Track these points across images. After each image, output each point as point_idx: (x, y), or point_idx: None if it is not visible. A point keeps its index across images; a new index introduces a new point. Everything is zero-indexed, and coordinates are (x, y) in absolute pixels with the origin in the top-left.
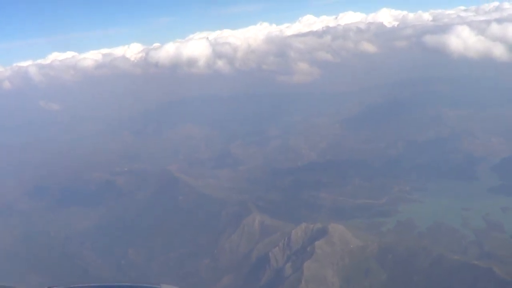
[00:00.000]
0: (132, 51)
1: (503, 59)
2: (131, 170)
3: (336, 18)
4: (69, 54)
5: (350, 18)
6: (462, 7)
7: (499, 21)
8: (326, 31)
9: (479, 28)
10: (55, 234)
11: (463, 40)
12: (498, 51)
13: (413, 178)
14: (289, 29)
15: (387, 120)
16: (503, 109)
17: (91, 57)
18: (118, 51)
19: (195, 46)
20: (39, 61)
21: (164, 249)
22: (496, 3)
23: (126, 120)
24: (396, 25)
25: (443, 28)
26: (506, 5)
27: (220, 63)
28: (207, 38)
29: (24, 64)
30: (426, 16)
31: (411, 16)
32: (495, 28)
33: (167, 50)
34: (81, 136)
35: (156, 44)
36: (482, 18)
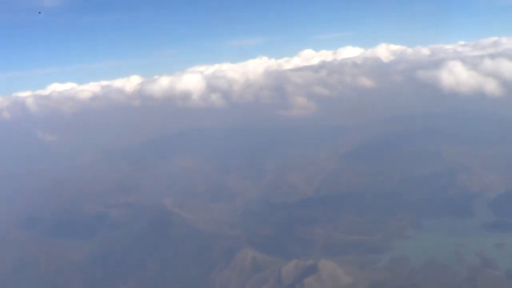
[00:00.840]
0: (131, 83)
1: (497, 94)
2: (126, 202)
3: (335, 52)
4: (68, 86)
5: (348, 52)
6: (462, 42)
7: (493, 56)
8: (322, 65)
9: (472, 63)
10: (46, 265)
11: (455, 76)
12: (491, 86)
13: (408, 214)
14: (288, 63)
15: (384, 155)
16: (500, 145)
17: (89, 89)
18: (118, 83)
19: (189, 80)
20: (38, 91)
21: (155, 283)
22: (494, 38)
23: (123, 152)
24: (391, 60)
25: (436, 63)
26: (504, 40)
27: (216, 97)
28: (201, 72)
29: (23, 94)
30: (424, 51)
31: (409, 51)
32: (488, 63)
33: (161, 84)
34: (77, 167)
35: (156, 77)
36: (478, 53)
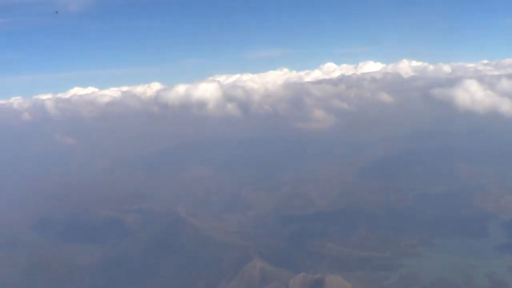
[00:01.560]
0: (152, 90)
1: None
2: (139, 209)
3: (356, 67)
4: (89, 90)
5: (369, 67)
6: (485, 61)
7: (510, 76)
8: (341, 79)
9: (490, 82)
10: (56, 268)
11: (471, 94)
12: (507, 106)
13: (421, 232)
14: (308, 75)
15: (399, 172)
16: None
17: (109, 94)
18: (139, 89)
19: (205, 89)
20: (59, 95)
21: None
22: None
23: (139, 159)
24: (410, 76)
25: (452, 81)
26: None
27: (233, 107)
28: (220, 81)
29: (44, 97)
30: (445, 69)
31: (430, 68)
32: (504, 83)
33: (177, 91)
34: (93, 172)
35: (177, 85)
36: (497, 72)
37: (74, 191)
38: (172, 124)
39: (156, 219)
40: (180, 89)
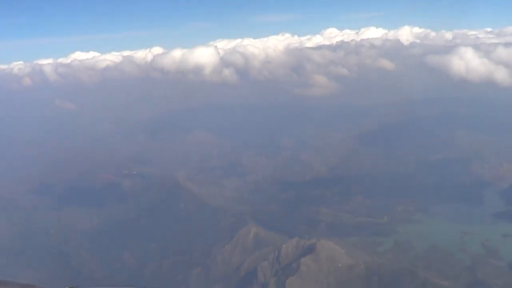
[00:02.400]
0: (152, 54)
1: (507, 83)
2: (139, 173)
3: (358, 33)
4: (90, 54)
5: (371, 33)
6: (489, 29)
7: (507, 45)
8: (340, 45)
9: (486, 50)
10: (54, 232)
11: (465, 62)
12: (501, 74)
13: (418, 199)
14: (309, 41)
15: (400, 138)
16: None
17: (110, 59)
18: (140, 54)
19: (203, 54)
20: (61, 59)
21: (158, 255)
22: None
23: (140, 123)
24: (410, 43)
25: (448, 49)
26: None
27: (232, 72)
28: (215, 46)
29: (44, 61)
30: (447, 36)
31: (432, 35)
32: (501, 51)
33: (174, 56)
34: (93, 136)
35: (177, 49)
36: (497, 40)
37: (73, 155)
38: (171, 89)
39: (154, 184)
40: (177, 54)
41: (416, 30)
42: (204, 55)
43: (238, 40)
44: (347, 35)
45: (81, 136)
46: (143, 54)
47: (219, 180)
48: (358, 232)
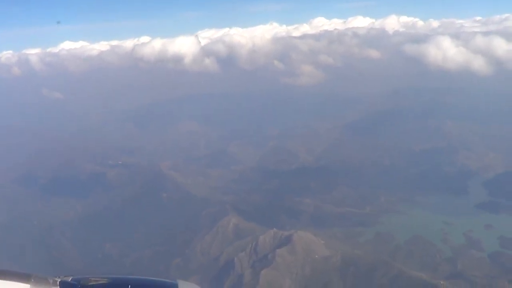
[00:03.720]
0: (140, 43)
1: (485, 71)
2: (125, 163)
3: (345, 22)
4: (79, 44)
5: (358, 22)
6: (478, 18)
7: (486, 33)
8: (323, 34)
9: (465, 39)
10: (38, 222)
11: (442, 51)
12: (478, 63)
13: (402, 189)
14: (296, 30)
15: (387, 128)
16: (506, 124)
17: (98, 48)
18: (128, 43)
19: (184, 43)
20: (49, 49)
21: (140, 245)
22: (507, 15)
23: (127, 113)
24: (394, 32)
25: (427, 37)
26: None
27: (213, 61)
28: (196, 35)
29: (32, 51)
30: (434, 25)
31: (420, 23)
32: (479, 40)
33: (153, 46)
34: (80, 126)
35: (173, 38)
36: (480, 29)
37: (58, 145)
38: (156, 78)
39: (140, 174)
40: (157, 44)
41: (404, 19)
42: (185, 44)
43: (226, 30)
44: (335, 24)
45: (68, 126)
46: (131, 43)
47: (204, 169)
48: (340, 222)
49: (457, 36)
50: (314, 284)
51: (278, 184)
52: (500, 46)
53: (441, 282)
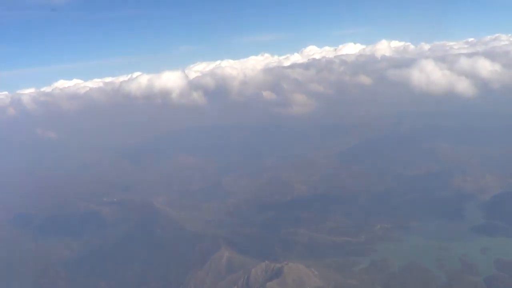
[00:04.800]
0: (142, 78)
1: (469, 93)
2: (120, 200)
3: (335, 49)
4: (73, 82)
5: (349, 49)
6: (471, 39)
7: (471, 55)
8: (311, 63)
9: (451, 61)
10: (33, 263)
11: (426, 75)
12: (463, 85)
13: (397, 216)
14: (287, 60)
15: (381, 154)
16: (498, 145)
17: (91, 86)
18: (121, 79)
19: (171, 78)
20: (44, 88)
21: (135, 282)
22: (497, 35)
23: (121, 150)
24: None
25: (411, 61)
26: (503, 37)
27: (213, 94)
28: (183, 70)
29: (27, 91)
30: (426, 48)
31: (411, 47)
32: (463, 62)
33: (140, 82)
34: (74, 164)
35: (160, 73)
36: (469, 50)
37: (54, 184)
38: (148, 114)
39: (134, 211)
40: (143, 80)
41: (395, 43)
42: (171, 79)
43: (217, 62)
44: (326, 52)
45: (62, 165)
46: (125, 80)
47: (198, 203)
48: (334, 252)
49: (443, 59)
50: None
51: (273, 216)
52: (484, 67)
53: None
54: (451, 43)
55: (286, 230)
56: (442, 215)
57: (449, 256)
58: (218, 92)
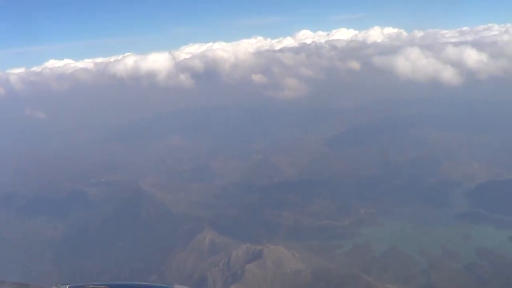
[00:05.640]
0: (129, 60)
1: (453, 82)
2: (107, 181)
3: (328, 34)
4: (64, 62)
5: (341, 34)
6: (465, 28)
7: (457, 44)
8: (302, 47)
9: (437, 50)
10: (17, 243)
11: (411, 62)
12: (448, 74)
13: (383, 201)
14: (279, 43)
15: (370, 139)
16: (487, 133)
17: (82, 66)
18: (113, 60)
19: (157, 59)
20: (34, 68)
21: (117, 263)
22: (489, 25)
23: (110, 130)
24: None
25: (396, 48)
26: (495, 27)
27: (204, 76)
28: (170, 52)
29: (17, 71)
30: (418, 35)
31: (404, 35)
32: (450, 51)
33: (126, 63)
34: (63, 145)
35: (155, 53)
36: (459, 39)
37: (41, 164)
38: (136, 95)
39: (121, 192)
40: (129, 61)
41: (389, 30)
42: (159, 61)
43: (209, 44)
44: (318, 36)
45: (50, 145)
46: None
47: (185, 184)
48: (318, 235)
49: (430, 47)
50: None
51: (259, 198)
52: (470, 56)
53: None
54: (444, 32)
55: (270, 213)
56: (427, 202)
57: (432, 243)
58: (207, 74)
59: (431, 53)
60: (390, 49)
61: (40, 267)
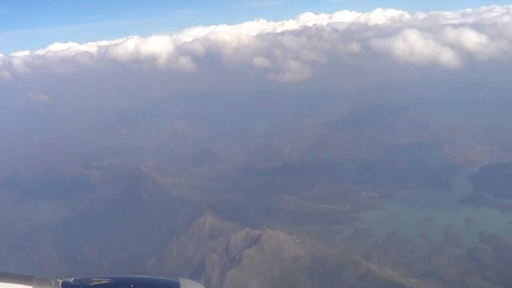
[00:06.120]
0: (129, 43)
1: (453, 64)
2: (109, 165)
3: (331, 16)
4: (68, 45)
5: (344, 17)
6: (469, 9)
7: (456, 26)
8: (302, 30)
9: (436, 32)
10: (19, 226)
11: (409, 45)
12: (447, 56)
13: (384, 184)
14: (282, 26)
15: (372, 123)
16: (490, 117)
17: (86, 49)
18: (116, 43)
19: (157, 43)
20: (38, 51)
21: (118, 247)
22: (492, 6)
23: (114, 114)
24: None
25: (395, 31)
26: (497, 8)
27: (206, 59)
28: (171, 35)
29: (20, 54)
30: (421, 17)
31: (407, 17)
32: (449, 33)
33: (126, 47)
34: (66, 128)
35: (155, 36)
36: (460, 21)
37: (44, 148)
38: (139, 79)
39: (123, 176)
40: (129, 44)
41: (391, 12)
42: (159, 44)
43: (212, 27)
44: (321, 19)
45: (54, 128)
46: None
47: (187, 169)
48: (318, 220)
49: (429, 29)
50: (281, 284)
51: (260, 182)
52: (469, 38)
53: (411, 280)
54: (447, 13)
55: (271, 197)
56: (429, 185)
57: (433, 227)
58: (208, 57)
59: (430, 35)
60: (390, 31)
61: (42, 250)
